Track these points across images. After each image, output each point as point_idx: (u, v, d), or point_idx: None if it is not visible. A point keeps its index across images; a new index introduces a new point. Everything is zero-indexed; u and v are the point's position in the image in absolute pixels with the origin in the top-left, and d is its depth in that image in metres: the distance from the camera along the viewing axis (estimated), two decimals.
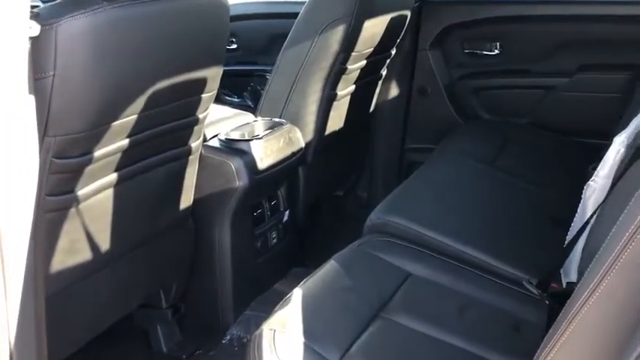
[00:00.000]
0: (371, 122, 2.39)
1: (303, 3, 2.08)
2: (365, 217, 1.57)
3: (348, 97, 2.05)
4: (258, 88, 2.64)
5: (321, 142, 2.00)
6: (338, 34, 1.82)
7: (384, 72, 2.27)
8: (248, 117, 1.91)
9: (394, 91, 2.39)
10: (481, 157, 1.85)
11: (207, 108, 1.48)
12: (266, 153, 1.70)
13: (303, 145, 1.86)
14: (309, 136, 1.95)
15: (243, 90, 2.70)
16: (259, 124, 1.83)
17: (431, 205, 1.53)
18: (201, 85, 1.41)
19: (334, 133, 2.05)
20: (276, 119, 1.86)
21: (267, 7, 2.64)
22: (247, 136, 1.75)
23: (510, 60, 2.27)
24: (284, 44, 1.91)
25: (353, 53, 1.89)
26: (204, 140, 1.69)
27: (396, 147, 2.49)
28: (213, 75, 1.44)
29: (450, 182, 1.67)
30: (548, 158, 1.96)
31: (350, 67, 1.93)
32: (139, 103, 1.24)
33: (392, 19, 2.01)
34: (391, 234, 1.43)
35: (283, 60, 1.91)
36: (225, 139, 1.68)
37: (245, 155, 1.64)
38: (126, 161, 1.30)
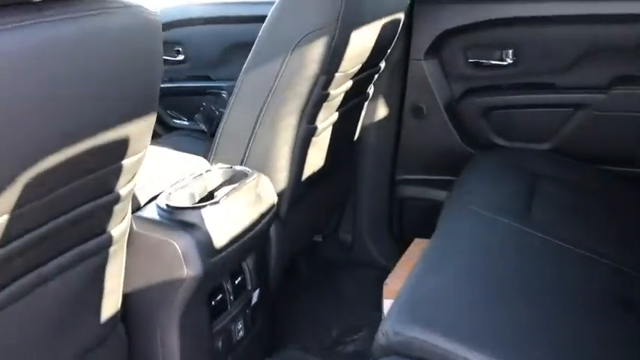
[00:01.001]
0: (355, 150, 1.92)
1: (267, 3, 1.61)
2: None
3: (330, 128, 1.58)
4: (212, 108, 2.14)
5: (297, 191, 1.52)
6: (317, 50, 1.35)
7: (370, 90, 1.80)
8: (198, 163, 1.42)
9: (382, 111, 1.93)
10: (510, 209, 1.39)
11: (132, 177, 0.99)
12: (226, 222, 1.21)
13: (275, 199, 1.38)
14: (282, 184, 1.47)
15: (194, 111, 2.20)
16: (215, 176, 1.34)
17: (465, 306, 1.06)
18: (123, 146, 0.92)
19: (313, 175, 1.58)
20: (238, 167, 1.38)
21: (219, 10, 2.14)
22: (198, 197, 1.26)
23: (527, 71, 1.82)
24: (245, 64, 1.42)
25: (337, 74, 1.42)
26: (137, 208, 1.19)
27: (384, 179, 2.02)
28: (143, 129, 0.95)
29: (481, 261, 1.19)
30: (596, 201, 1.52)
31: (333, 92, 1.46)
32: (18, 190, 0.75)
33: (384, 25, 1.54)
34: (417, 359, 0.96)
35: (245, 85, 1.43)
36: (167, 205, 1.18)
37: (195, 230, 1.15)
38: (5, 276, 0.81)
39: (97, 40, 0.82)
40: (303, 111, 1.41)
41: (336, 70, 1.41)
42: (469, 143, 1.91)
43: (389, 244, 2.04)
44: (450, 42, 1.85)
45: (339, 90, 1.48)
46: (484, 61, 1.85)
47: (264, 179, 1.36)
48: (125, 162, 0.93)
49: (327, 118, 1.52)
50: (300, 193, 1.54)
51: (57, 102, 0.77)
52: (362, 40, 1.45)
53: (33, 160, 0.76)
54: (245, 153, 1.45)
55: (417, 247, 1.79)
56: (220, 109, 2.12)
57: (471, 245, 1.24)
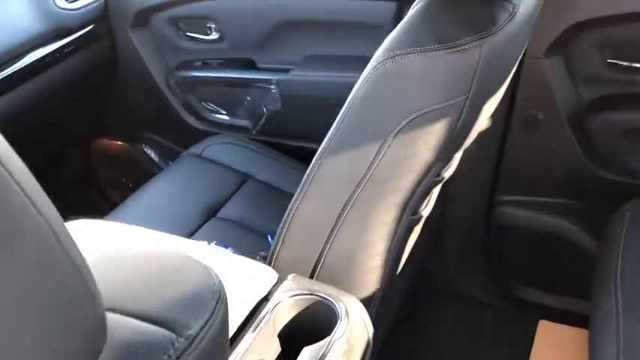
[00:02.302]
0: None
1: None
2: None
3: None
4: (259, 104, 1.70)
5: (389, 286, 1.13)
6: (433, 134, 0.90)
7: None
8: (261, 281, 1.03)
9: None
10: None
11: None
12: None
13: (371, 334, 1.00)
14: (372, 287, 1.08)
15: (234, 104, 1.77)
16: (286, 313, 0.95)
17: None
18: None
19: (408, 261, 1.18)
20: (317, 294, 0.98)
21: None
22: None
23: None
24: (325, 141, 0.98)
25: (457, 154, 0.98)
26: None
27: (480, 200, 1.61)
28: None
29: None
30: None
31: (446, 174, 1.02)
32: None
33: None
34: None
35: (324, 169, 1.00)
36: None
37: None
38: None
39: None
40: (406, 204, 0.99)
41: (458, 150, 0.96)
42: (598, 162, 1.47)
43: (483, 276, 1.67)
44: (583, 37, 1.35)
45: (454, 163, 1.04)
46: (626, 62, 1.35)
47: (355, 309, 0.97)
48: None
49: (433, 198, 1.09)
50: (391, 284, 1.15)
51: None
52: (495, 101, 0.99)
53: None
54: (322, 252, 1.05)
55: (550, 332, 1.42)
56: (268, 107, 1.68)
57: None
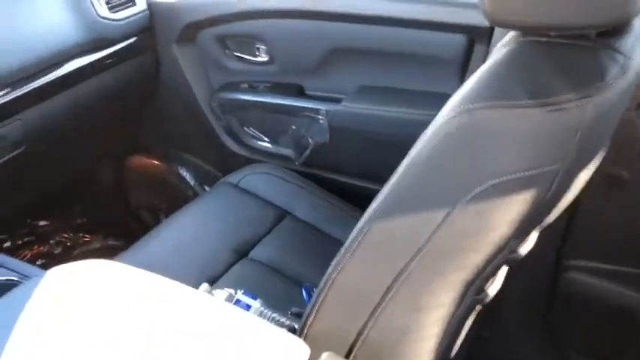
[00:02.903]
0: None
1: None
2: None
3: None
4: (304, 135, 1.56)
5: None
6: (514, 207, 0.73)
7: None
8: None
9: None
10: None
11: None
12: None
13: None
14: None
15: (280, 131, 1.62)
16: None
17: None
18: None
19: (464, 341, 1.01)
20: None
21: (318, 2, 1.49)
22: None
23: None
24: (376, 204, 0.82)
25: (535, 230, 0.81)
26: None
27: (547, 263, 1.42)
28: None
29: None
30: None
31: (523, 251, 0.85)
32: None
33: None
34: None
35: (373, 235, 0.84)
36: None
37: None
38: None
39: None
40: (470, 283, 0.82)
41: (541, 225, 0.79)
42: None
43: (544, 347, 1.47)
44: None
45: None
46: None
47: None
48: None
49: (502, 274, 0.92)
50: None
51: None
52: (593, 168, 0.81)
53: None
54: (364, 329, 0.88)
55: None
56: (315, 138, 1.54)
57: None
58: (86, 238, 2.07)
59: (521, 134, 0.70)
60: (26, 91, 1.42)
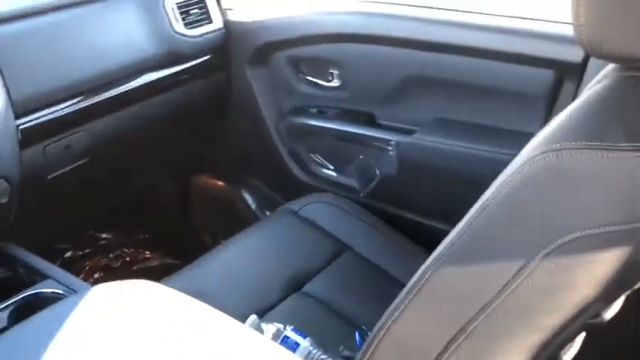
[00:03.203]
0: None
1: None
2: None
3: None
4: (373, 165, 1.48)
5: None
6: (603, 264, 0.63)
7: None
8: None
9: None
10: None
11: None
12: None
13: None
14: None
15: (346, 160, 1.56)
16: None
17: None
18: None
19: None
20: None
21: (396, 28, 1.42)
22: None
23: None
24: (442, 248, 0.74)
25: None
26: None
27: (626, 329, 1.27)
28: None
29: None
30: None
31: (608, 316, 0.74)
32: None
33: None
34: None
35: (436, 281, 0.75)
36: None
37: None
38: None
39: None
40: (543, 347, 0.72)
41: (631, 288, 0.69)
42: None
43: None
44: None
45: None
46: None
47: None
48: None
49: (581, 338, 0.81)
50: None
51: None
52: None
53: None
54: None
55: None
56: (383, 170, 1.46)
57: None
58: (146, 254, 2.06)
59: (616, 181, 0.60)
60: (95, 102, 1.42)
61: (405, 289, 0.80)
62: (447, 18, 1.34)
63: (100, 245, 2.03)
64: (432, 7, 1.38)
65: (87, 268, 1.97)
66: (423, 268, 0.77)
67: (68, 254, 1.97)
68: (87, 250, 2.01)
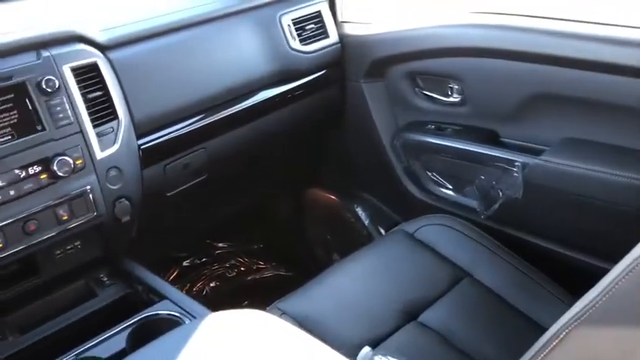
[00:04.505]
0: None
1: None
2: None
3: None
4: (496, 186, 1.40)
5: None
6: None
7: None
8: None
9: None
10: None
11: None
12: None
13: None
14: None
15: (466, 180, 1.48)
16: None
17: None
18: None
19: None
20: None
21: (522, 38, 1.32)
22: None
23: None
24: (581, 310, 0.66)
25: None
26: None
27: None
28: None
29: None
30: None
31: None
32: None
33: None
34: None
35: (576, 339, 0.67)
36: None
37: None
38: None
39: None
40: None
41: None
42: None
43: None
44: None
45: None
46: None
47: None
48: None
49: None
50: None
51: None
52: None
53: None
54: None
55: None
56: (506, 192, 1.37)
57: None
58: (260, 264, 2.08)
59: None
60: (214, 120, 1.43)
61: (539, 343, 0.72)
62: (579, 31, 1.23)
63: (216, 255, 2.07)
64: (561, 19, 1.27)
65: (203, 277, 2.02)
66: (561, 322, 0.69)
67: (186, 262, 2.03)
68: (204, 259, 2.06)
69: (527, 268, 1.32)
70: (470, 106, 1.47)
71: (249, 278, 2.05)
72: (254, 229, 2.08)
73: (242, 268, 2.07)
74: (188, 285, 1.96)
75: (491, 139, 1.45)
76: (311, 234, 1.98)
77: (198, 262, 2.05)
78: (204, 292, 1.97)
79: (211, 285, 2.01)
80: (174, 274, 1.98)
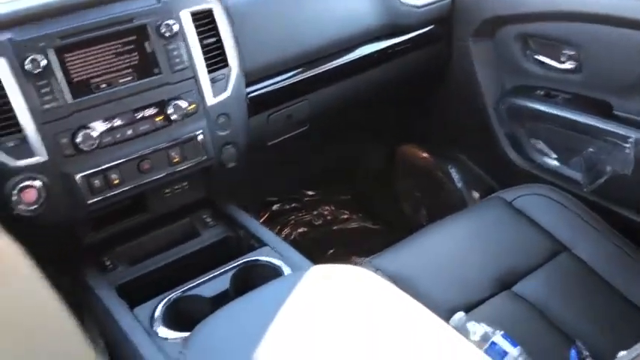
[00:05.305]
0: None
1: None
2: None
3: None
4: (604, 161, 1.35)
5: None
6: None
7: None
8: None
9: None
10: None
11: None
12: None
13: None
14: None
15: (573, 151, 1.44)
16: None
17: None
18: None
19: None
20: None
21: None
22: None
23: None
24: None
25: None
26: None
27: None
28: None
29: None
30: None
31: None
32: None
33: None
34: None
35: None
36: None
37: None
38: None
39: None
40: None
41: None
42: None
43: None
44: None
45: None
46: None
47: None
48: None
49: None
50: None
51: None
52: None
53: None
54: None
55: None
56: (615, 167, 1.32)
57: None
58: (346, 214, 2.11)
59: None
60: (319, 72, 1.43)
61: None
62: None
63: (305, 202, 2.11)
64: None
65: (292, 222, 2.07)
66: None
67: (276, 207, 2.08)
68: (293, 205, 2.10)
69: (630, 249, 1.28)
70: (584, 74, 1.41)
71: (335, 228, 2.08)
72: (345, 181, 2.10)
73: (328, 217, 2.10)
74: (277, 228, 2.01)
75: (604, 111, 1.39)
76: (400, 190, 1.98)
77: (288, 207, 2.09)
78: (292, 237, 2.01)
79: (299, 231, 2.06)
80: (264, 217, 2.04)
